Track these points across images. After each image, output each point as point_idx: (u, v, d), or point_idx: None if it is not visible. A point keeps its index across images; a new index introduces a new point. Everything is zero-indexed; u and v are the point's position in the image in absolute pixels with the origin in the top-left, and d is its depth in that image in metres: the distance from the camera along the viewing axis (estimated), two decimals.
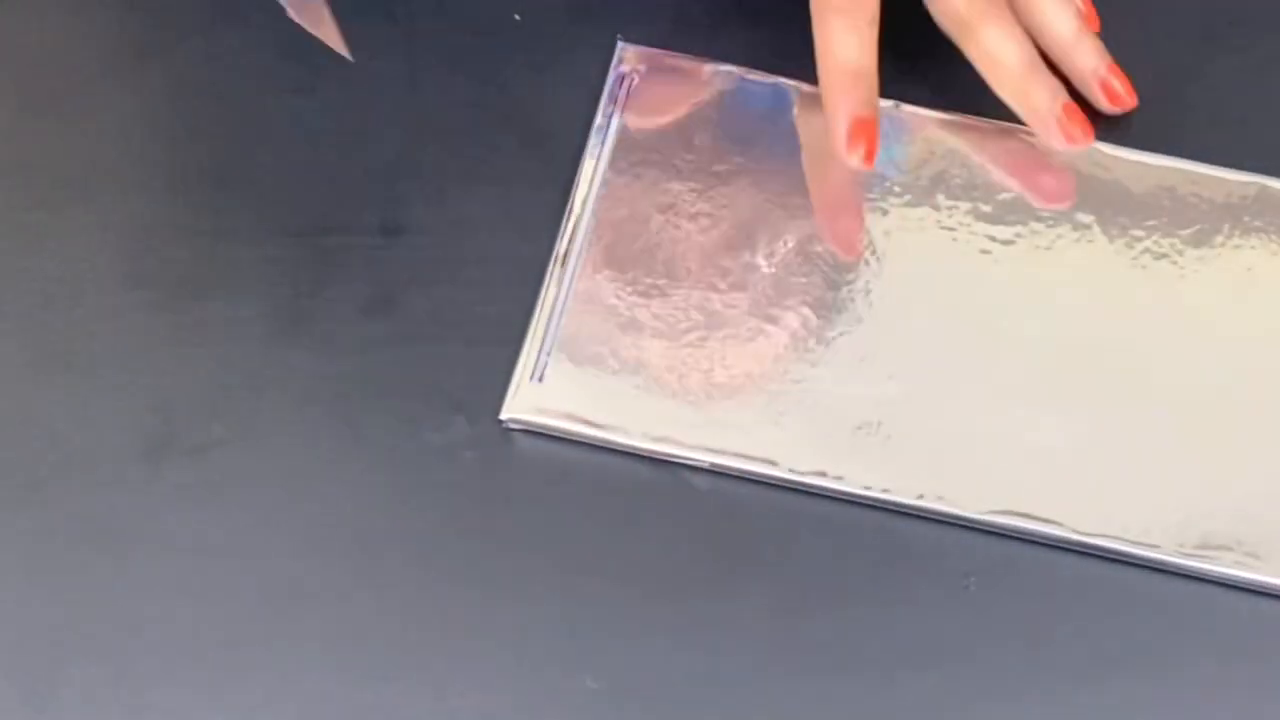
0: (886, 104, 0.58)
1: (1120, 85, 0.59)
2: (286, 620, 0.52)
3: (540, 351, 0.55)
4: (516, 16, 0.63)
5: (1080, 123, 0.58)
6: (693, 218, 0.58)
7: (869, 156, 0.56)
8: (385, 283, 0.57)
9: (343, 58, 0.50)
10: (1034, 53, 0.58)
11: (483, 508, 0.54)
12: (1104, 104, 0.59)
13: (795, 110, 0.60)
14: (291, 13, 0.50)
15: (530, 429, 0.55)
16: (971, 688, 0.51)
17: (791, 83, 0.60)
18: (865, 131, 0.56)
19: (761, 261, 0.57)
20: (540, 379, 0.55)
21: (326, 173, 0.59)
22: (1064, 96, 0.58)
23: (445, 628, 0.52)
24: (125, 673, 0.51)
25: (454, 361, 0.55)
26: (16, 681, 0.51)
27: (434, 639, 0.52)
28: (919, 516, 0.53)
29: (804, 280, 0.57)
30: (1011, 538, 0.53)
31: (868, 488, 0.53)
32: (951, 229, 0.57)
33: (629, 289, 0.57)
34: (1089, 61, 0.59)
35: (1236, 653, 0.52)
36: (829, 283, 0.57)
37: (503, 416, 0.55)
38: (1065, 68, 0.59)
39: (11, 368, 0.56)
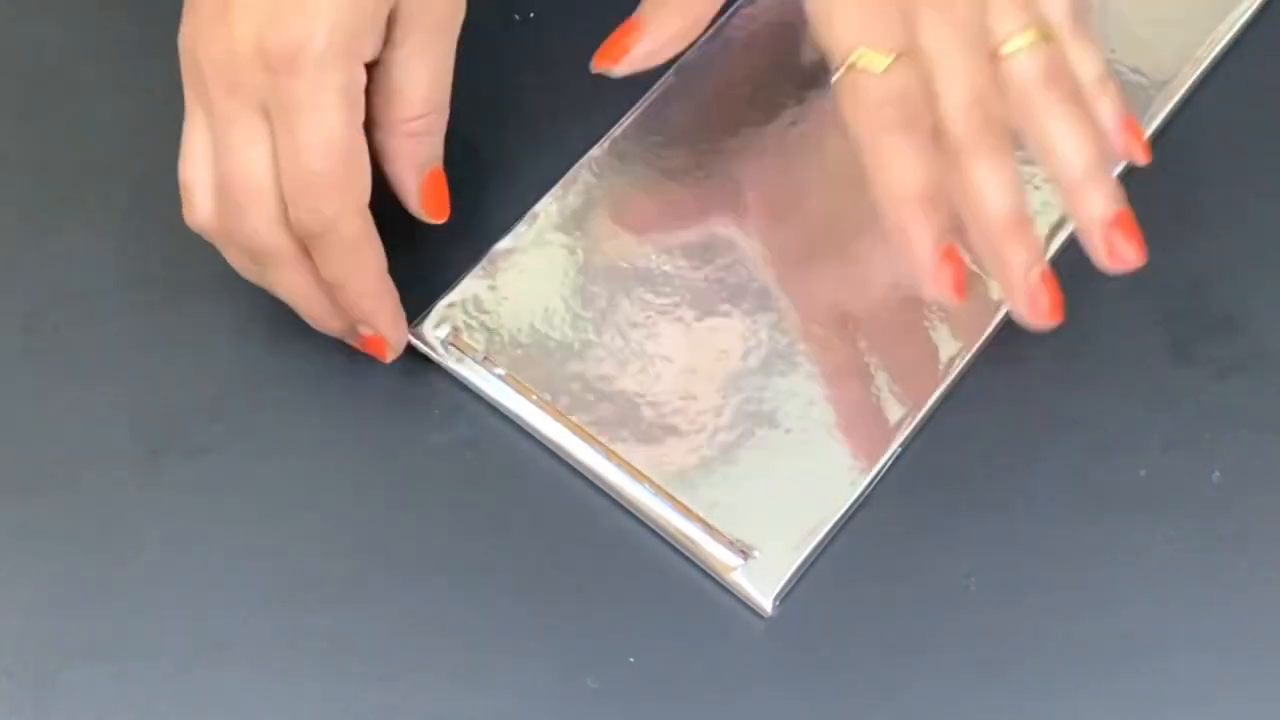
0: None
1: (1125, 240, 0.49)
2: (286, 620, 0.52)
3: None
4: (516, 16, 0.63)
5: (1053, 295, 0.49)
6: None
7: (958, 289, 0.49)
8: None
9: None
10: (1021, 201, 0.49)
11: (483, 508, 0.54)
12: (1103, 259, 0.50)
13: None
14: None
15: None
16: (971, 686, 0.51)
17: None
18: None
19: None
20: None
21: None
22: (1043, 264, 0.50)
23: (445, 628, 0.52)
24: (125, 673, 0.51)
25: None
26: (16, 681, 0.51)
27: (434, 639, 0.52)
28: None
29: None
30: None
31: None
32: None
33: None
34: (1095, 208, 0.49)
35: None
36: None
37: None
38: (1068, 209, 0.51)
39: (11, 368, 0.56)
